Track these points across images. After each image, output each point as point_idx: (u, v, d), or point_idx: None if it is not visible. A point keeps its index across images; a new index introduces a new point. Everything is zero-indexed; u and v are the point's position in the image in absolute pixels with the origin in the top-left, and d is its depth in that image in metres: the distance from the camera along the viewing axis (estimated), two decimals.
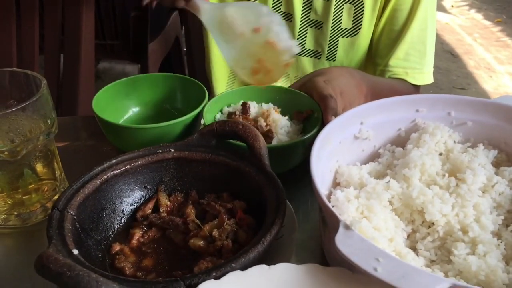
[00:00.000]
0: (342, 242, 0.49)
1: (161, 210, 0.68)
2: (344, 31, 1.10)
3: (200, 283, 0.49)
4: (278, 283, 0.50)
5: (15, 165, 0.70)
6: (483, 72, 3.65)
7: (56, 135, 0.73)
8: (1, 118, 0.65)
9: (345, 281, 0.50)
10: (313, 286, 0.50)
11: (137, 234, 0.65)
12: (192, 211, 0.67)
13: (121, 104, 0.91)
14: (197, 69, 1.54)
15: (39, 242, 0.71)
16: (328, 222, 0.56)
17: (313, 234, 0.72)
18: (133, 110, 0.93)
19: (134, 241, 0.64)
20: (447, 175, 0.67)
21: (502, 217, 0.63)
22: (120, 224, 0.68)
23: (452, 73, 3.63)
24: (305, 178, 0.82)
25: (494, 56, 3.91)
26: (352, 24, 1.09)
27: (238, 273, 0.50)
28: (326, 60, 1.15)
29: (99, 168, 0.67)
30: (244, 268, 0.51)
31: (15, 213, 0.72)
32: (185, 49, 2.22)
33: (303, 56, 1.16)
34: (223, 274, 0.50)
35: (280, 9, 1.11)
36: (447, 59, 3.86)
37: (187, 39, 2.05)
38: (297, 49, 0.72)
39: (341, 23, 1.10)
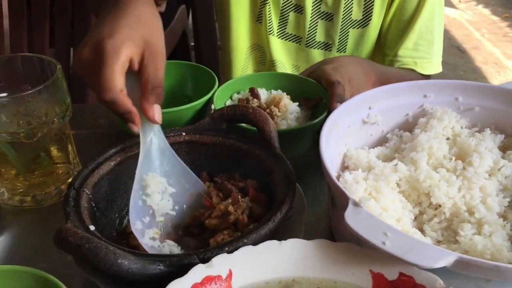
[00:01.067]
0: (351, 217, 0.51)
1: None
2: (355, 22, 1.11)
3: (213, 257, 0.51)
4: (288, 257, 0.52)
5: (31, 147, 0.71)
6: (491, 67, 3.64)
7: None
8: (18, 101, 0.67)
9: (353, 256, 0.51)
10: (322, 260, 0.52)
11: None
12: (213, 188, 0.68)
13: None
14: (205, 62, 1.56)
15: (53, 224, 0.72)
16: (337, 201, 0.58)
17: (322, 217, 0.73)
18: None
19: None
20: (454, 158, 0.69)
21: (508, 199, 0.64)
22: None
23: (459, 68, 3.62)
24: (313, 163, 0.83)
25: (502, 51, 3.90)
26: (363, 15, 1.10)
27: (249, 247, 0.52)
28: (336, 52, 1.16)
29: (113, 150, 0.68)
30: (255, 243, 0.53)
31: (31, 194, 0.74)
32: (192, 43, 2.23)
33: (314, 48, 1.16)
34: (236, 249, 0.52)
35: (291, 1, 1.12)
36: (455, 54, 3.85)
37: (194, 33, 2.06)
38: None
39: (351, 14, 1.10)
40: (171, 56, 2.19)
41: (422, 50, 1.08)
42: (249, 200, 0.64)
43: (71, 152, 0.78)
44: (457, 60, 3.76)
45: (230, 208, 0.63)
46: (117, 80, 0.60)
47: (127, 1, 0.68)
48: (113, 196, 0.67)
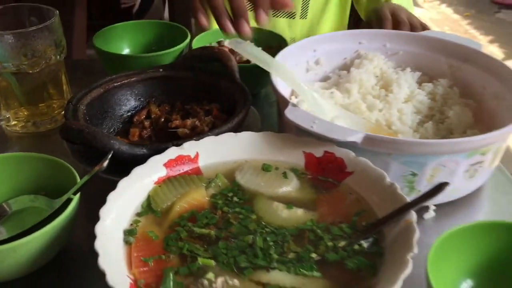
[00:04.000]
0: (290, 112, 0.67)
1: (152, 117, 0.85)
2: None
3: (183, 143, 0.66)
4: (242, 144, 0.68)
5: (32, 81, 0.85)
6: None
7: None
8: (23, 37, 0.81)
9: (291, 142, 0.67)
10: (267, 146, 0.68)
11: (136, 132, 0.81)
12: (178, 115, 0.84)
13: (115, 46, 1.07)
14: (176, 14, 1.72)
15: (50, 145, 0.86)
16: (281, 107, 0.74)
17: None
18: (126, 51, 1.09)
19: (135, 138, 0.80)
20: (378, 88, 0.86)
21: (420, 118, 0.82)
22: (120, 126, 0.84)
23: None
24: (268, 97, 1.01)
25: None
26: None
27: (212, 137, 0.67)
28: (300, 18, 1.32)
29: (102, 80, 0.83)
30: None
31: (31, 121, 0.88)
32: None
33: (279, 17, 1.33)
34: (201, 138, 0.67)
35: None
36: None
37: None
38: None
39: None
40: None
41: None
42: (212, 118, 0.80)
43: (65, 90, 0.92)
44: None
45: (197, 123, 0.79)
46: None
47: None
48: (102, 117, 0.82)
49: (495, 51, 4.11)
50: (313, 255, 0.54)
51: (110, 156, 0.61)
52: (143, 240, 0.56)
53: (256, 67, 0.77)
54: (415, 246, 0.50)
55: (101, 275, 0.47)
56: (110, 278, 0.47)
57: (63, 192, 0.63)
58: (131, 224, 0.57)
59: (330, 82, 0.90)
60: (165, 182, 0.63)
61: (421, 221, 0.71)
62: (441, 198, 0.71)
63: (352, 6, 1.36)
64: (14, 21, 0.85)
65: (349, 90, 0.84)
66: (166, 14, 2.29)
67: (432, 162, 0.65)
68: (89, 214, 0.56)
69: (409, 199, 0.56)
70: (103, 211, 0.54)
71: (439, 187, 0.55)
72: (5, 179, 0.68)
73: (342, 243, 0.56)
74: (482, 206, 0.76)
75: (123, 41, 1.09)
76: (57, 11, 0.85)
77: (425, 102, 0.84)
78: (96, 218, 0.53)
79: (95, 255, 0.49)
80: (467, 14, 4.92)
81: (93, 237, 0.51)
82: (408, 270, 0.48)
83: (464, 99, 0.84)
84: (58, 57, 0.86)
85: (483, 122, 0.80)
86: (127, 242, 0.55)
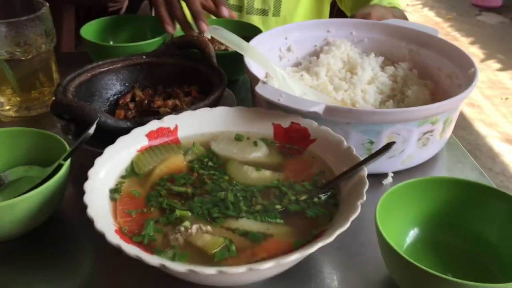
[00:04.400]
0: (260, 88, 0.74)
1: (136, 100, 0.92)
2: None
3: (164, 117, 0.73)
4: (217, 118, 0.75)
5: (25, 68, 0.92)
6: None
7: None
8: (15, 25, 0.87)
9: (261, 115, 0.75)
10: (240, 119, 0.75)
11: (122, 113, 0.88)
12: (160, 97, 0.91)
13: (102, 38, 1.14)
14: None
15: (42, 127, 0.93)
16: (252, 85, 0.81)
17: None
18: (111, 43, 1.16)
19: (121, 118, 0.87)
20: (344, 71, 0.93)
21: (382, 97, 0.89)
22: (106, 108, 0.91)
23: None
24: (245, 84, 1.08)
25: None
26: None
27: (190, 111, 0.75)
28: (272, 16, 1.40)
29: (89, 66, 0.90)
30: None
31: (24, 106, 0.95)
32: None
33: (253, 15, 1.41)
34: (180, 113, 0.75)
35: None
36: None
37: None
38: None
39: None
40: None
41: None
42: (192, 98, 0.87)
43: (55, 78, 0.99)
44: None
45: (178, 102, 0.86)
46: None
47: None
48: (90, 100, 0.89)
49: (476, 52, 4.24)
50: (278, 206, 0.62)
51: (95, 124, 0.68)
52: (127, 197, 0.63)
53: (235, 54, 0.83)
54: (364, 195, 0.57)
55: (88, 235, 0.53)
56: (98, 224, 0.53)
57: (54, 162, 0.69)
58: (116, 185, 0.64)
59: (301, 67, 0.98)
60: (147, 150, 0.70)
61: (381, 186, 0.78)
62: (398, 165, 0.79)
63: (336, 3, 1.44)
64: (7, 12, 0.92)
65: (318, 73, 0.92)
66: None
67: (386, 130, 0.73)
68: (78, 188, 0.60)
69: (367, 166, 0.63)
70: (91, 172, 0.61)
71: (387, 146, 0.62)
72: (1, 153, 0.74)
73: (303, 197, 0.63)
74: (436, 175, 0.84)
75: (108, 34, 1.16)
76: (47, 3, 0.92)
77: (387, 83, 0.92)
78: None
79: (83, 222, 0.55)
80: (449, 17, 5.05)
81: (81, 207, 0.55)
82: (357, 213, 0.55)
83: (423, 80, 0.92)
84: (48, 45, 0.93)
85: (439, 100, 0.88)
86: (112, 199, 0.62)
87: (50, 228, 0.69)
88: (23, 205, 0.62)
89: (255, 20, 1.40)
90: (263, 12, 1.40)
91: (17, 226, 0.64)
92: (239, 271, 0.49)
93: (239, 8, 1.40)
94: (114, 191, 0.63)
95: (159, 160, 0.69)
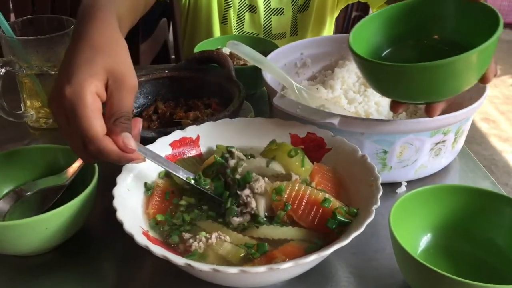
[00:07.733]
0: (278, 100, 0.78)
1: (159, 112, 0.96)
2: (300, 7, 1.38)
3: (186, 127, 0.77)
4: (236, 128, 0.79)
5: (54, 81, 0.97)
6: None
7: None
8: (45, 42, 0.92)
9: (279, 125, 0.78)
10: (259, 129, 0.78)
11: (145, 125, 0.92)
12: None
13: None
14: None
15: None
16: (270, 97, 0.84)
17: None
18: None
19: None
20: (358, 84, 0.97)
21: None
22: None
23: None
24: (263, 97, 1.12)
25: None
26: (305, 1, 1.37)
27: (211, 122, 0.78)
28: (290, 37, 1.41)
29: None
30: None
31: (52, 118, 1.00)
32: (173, 56, 2.48)
33: (272, 40, 1.43)
34: (201, 123, 0.78)
35: (245, 2, 1.33)
36: None
37: (174, 43, 2.32)
38: None
39: (297, 2, 1.36)
40: (153, 61, 2.47)
41: None
42: (212, 110, 0.91)
43: None
44: None
45: (198, 114, 0.90)
46: (94, 127, 0.56)
47: (82, 31, 0.64)
48: None
49: None
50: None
51: None
52: (157, 196, 0.68)
53: (252, 69, 0.87)
54: (378, 200, 0.60)
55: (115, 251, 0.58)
56: (127, 226, 0.57)
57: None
58: (146, 184, 0.69)
59: (317, 81, 1.01)
60: (179, 161, 0.74)
61: (394, 195, 0.81)
62: (411, 175, 0.82)
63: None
64: (36, 29, 0.98)
65: (333, 86, 0.95)
66: (171, 36, 2.40)
67: (399, 140, 0.76)
68: (105, 195, 0.64)
69: (381, 175, 0.66)
70: (120, 178, 0.65)
71: None
72: (31, 167, 0.78)
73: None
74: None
75: None
76: (75, 20, 0.97)
77: None
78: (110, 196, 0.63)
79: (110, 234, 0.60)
80: None
81: (107, 215, 0.60)
82: (371, 218, 0.58)
83: None
84: None
85: (452, 112, 0.91)
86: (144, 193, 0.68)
87: (84, 235, 0.72)
88: (57, 218, 0.64)
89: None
90: (281, 36, 1.38)
91: (51, 239, 0.66)
92: (260, 271, 0.52)
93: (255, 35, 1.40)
94: (147, 188, 0.69)
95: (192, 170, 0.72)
